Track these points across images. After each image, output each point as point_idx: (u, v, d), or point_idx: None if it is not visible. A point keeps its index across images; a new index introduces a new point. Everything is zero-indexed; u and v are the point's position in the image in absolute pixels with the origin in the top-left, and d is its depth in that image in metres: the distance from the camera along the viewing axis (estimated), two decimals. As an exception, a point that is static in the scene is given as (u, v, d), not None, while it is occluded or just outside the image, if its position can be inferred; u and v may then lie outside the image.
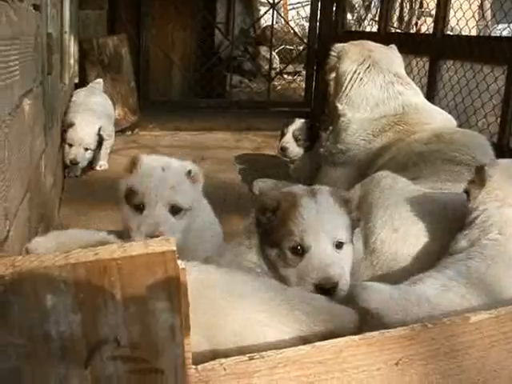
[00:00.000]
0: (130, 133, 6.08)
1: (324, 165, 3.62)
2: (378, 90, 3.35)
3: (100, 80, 5.51)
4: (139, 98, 6.46)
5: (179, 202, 2.22)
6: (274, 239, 1.88)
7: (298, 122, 4.29)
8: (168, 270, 0.91)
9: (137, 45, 7.02)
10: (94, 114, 4.44)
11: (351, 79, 3.42)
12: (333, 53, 3.60)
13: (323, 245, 1.81)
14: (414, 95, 3.41)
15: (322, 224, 1.83)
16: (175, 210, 2.22)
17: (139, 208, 2.20)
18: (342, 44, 3.66)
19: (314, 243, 1.81)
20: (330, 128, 3.62)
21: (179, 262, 0.95)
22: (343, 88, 3.45)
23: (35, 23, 2.42)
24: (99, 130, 4.35)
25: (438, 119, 3.26)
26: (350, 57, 3.50)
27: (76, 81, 5.46)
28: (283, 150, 4.32)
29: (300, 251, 1.82)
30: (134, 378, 0.97)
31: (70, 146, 4.21)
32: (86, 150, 4.28)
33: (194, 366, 1.07)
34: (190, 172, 2.31)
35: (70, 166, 4.30)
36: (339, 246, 1.86)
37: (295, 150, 4.26)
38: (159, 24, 7.67)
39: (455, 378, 1.30)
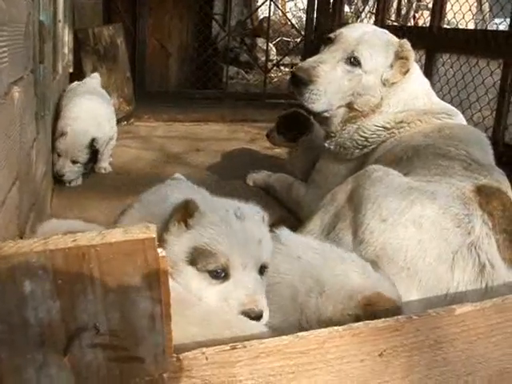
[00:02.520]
0: (125, 123, 6.05)
1: (325, 158, 3.50)
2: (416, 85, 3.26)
3: (96, 74, 5.15)
4: (135, 89, 6.45)
5: (268, 259, 1.75)
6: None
7: (286, 111, 4.31)
8: (148, 258, 0.91)
9: (133, 35, 7.00)
10: (87, 122, 3.99)
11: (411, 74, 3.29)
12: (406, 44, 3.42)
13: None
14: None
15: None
16: (262, 270, 1.74)
17: (218, 275, 1.65)
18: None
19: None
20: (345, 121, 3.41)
21: (159, 250, 0.94)
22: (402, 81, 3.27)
23: (26, 10, 2.39)
24: (92, 141, 3.92)
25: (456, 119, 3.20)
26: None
27: (71, 70, 5.43)
28: (267, 136, 4.39)
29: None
30: (113, 365, 0.97)
31: (58, 155, 3.87)
32: (74, 162, 3.89)
33: (175, 355, 1.06)
34: (263, 218, 1.86)
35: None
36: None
37: (276, 137, 4.28)
38: (156, 14, 7.64)
39: (440, 369, 1.30)
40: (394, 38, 3.32)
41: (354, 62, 3.19)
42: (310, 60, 3.34)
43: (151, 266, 0.91)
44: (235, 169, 4.66)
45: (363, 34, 3.25)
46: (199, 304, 1.61)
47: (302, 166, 4.01)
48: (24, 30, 2.32)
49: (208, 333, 1.34)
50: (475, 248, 2.21)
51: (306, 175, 3.76)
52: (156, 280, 0.92)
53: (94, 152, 3.96)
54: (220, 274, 1.62)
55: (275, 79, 9.46)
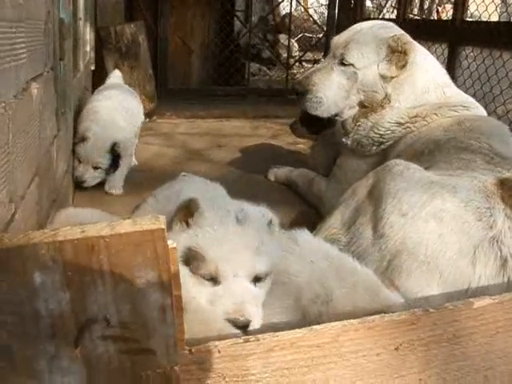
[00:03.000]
0: (147, 120, 6.06)
1: (346, 154, 3.49)
2: (426, 77, 3.23)
3: (116, 71, 5.03)
4: (157, 86, 6.47)
5: (264, 269, 1.63)
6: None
7: None
8: (157, 249, 0.90)
9: (155, 33, 7.03)
10: (109, 126, 3.87)
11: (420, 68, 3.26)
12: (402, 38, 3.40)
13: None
14: (453, 85, 3.33)
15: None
16: (258, 278, 1.63)
17: (211, 278, 1.61)
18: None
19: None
20: (358, 117, 3.42)
21: (169, 241, 0.93)
22: (409, 75, 3.25)
23: (45, 8, 2.41)
24: (113, 145, 3.79)
25: (474, 112, 3.16)
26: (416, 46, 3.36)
27: (92, 68, 5.47)
28: (291, 127, 4.44)
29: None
30: (124, 357, 0.97)
31: (79, 161, 3.76)
32: (96, 168, 3.79)
33: (187, 348, 1.06)
34: (271, 222, 1.73)
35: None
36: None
37: (299, 128, 4.26)
38: (178, 12, 7.66)
39: (458, 364, 1.28)
40: (390, 33, 3.27)
41: (345, 62, 3.24)
42: (307, 72, 3.46)
43: (161, 257, 0.91)
44: (257, 164, 4.65)
45: (353, 34, 3.28)
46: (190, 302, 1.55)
47: (323, 161, 3.99)
48: (43, 28, 2.34)
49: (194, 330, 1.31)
50: (497, 242, 2.18)
51: (328, 170, 3.74)
52: (166, 271, 0.92)
53: (116, 156, 3.84)
54: (211, 277, 1.58)
55: (297, 75, 9.41)
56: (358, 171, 3.21)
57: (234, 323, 1.48)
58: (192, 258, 1.57)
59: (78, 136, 3.79)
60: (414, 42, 3.28)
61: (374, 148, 3.26)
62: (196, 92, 7.37)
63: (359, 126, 3.33)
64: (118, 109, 4.09)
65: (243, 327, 1.48)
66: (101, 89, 4.43)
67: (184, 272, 1.52)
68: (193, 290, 1.56)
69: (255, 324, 1.50)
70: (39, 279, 0.89)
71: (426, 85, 3.20)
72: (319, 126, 4.06)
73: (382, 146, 3.23)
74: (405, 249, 2.21)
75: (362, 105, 3.28)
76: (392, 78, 3.19)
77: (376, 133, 3.24)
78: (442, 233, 2.18)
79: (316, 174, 3.88)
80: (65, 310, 0.91)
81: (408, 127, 3.13)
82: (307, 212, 3.56)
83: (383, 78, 3.19)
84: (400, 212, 2.26)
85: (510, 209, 2.25)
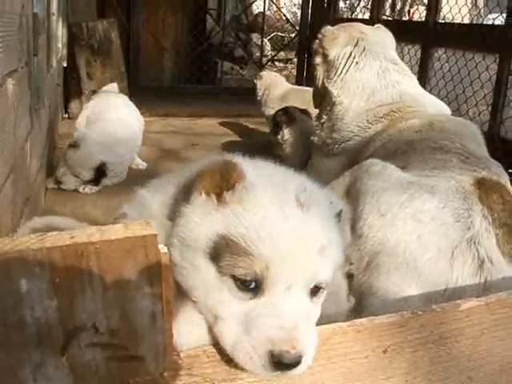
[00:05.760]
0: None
1: (316, 154, 3.56)
2: (375, 77, 3.29)
3: (114, 85, 4.94)
4: (129, 83, 6.40)
5: (326, 277, 1.19)
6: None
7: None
8: (148, 255, 0.88)
9: (127, 30, 6.96)
10: (100, 145, 3.81)
11: (346, 63, 3.36)
12: (319, 35, 3.55)
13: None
14: (411, 84, 3.36)
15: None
16: (316, 290, 1.19)
17: (246, 286, 1.13)
18: (330, 27, 3.59)
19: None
20: (324, 116, 3.52)
21: (160, 246, 0.91)
22: (338, 72, 3.38)
23: (20, 2, 2.36)
24: (100, 165, 3.77)
25: (431, 107, 3.22)
26: (341, 39, 3.45)
27: (65, 65, 5.39)
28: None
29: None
30: (112, 365, 0.94)
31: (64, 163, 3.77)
32: (76, 176, 3.75)
33: (176, 353, 1.04)
34: (340, 213, 1.34)
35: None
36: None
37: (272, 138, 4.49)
38: (150, 9, 7.60)
39: (444, 365, 1.28)
40: None
41: None
42: None
43: (152, 263, 0.89)
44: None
45: None
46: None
47: (296, 160, 4.04)
48: (18, 22, 2.29)
49: None
50: (474, 243, 2.20)
51: (301, 169, 3.77)
52: (157, 277, 0.90)
53: (100, 174, 3.81)
54: (249, 286, 1.12)
55: (270, 74, 9.41)
56: (331, 171, 3.23)
57: (279, 359, 1.06)
58: (227, 252, 1.10)
59: (72, 140, 3.81)
60: None
61: (336, 146, 3.36)
62: (168, 90, 7.33)
63: (323, 124, 3.49)
64: (114, 123, 4.05)
65: (291, 366, 1.07)
66: (100, 102, 4.33)
67: (210, 272, 1.12)
68: (218, 299, 1.12)
69: (307, 360, 1.10)
70: (25, 286, 0.86)
71: (370, 87, 3.32)
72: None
73: (343, 145, 3.33)
74: (384, 249, 2.21)
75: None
76: (331, 79, 3.45)
77: (337, 134, 3.37)
78: (421, 234, 2.19)
79: None
80: (51, 317, 0.88)
81: (369, 128, 3.21)
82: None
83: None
84: (379, 212, 2.26)
85: (487, 209, 2.27)
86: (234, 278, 1.11)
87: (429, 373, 1.28)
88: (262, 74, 5.75)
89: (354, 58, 3.35)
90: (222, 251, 1.10)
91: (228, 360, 1.09)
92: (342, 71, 3.37)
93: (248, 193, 1.13)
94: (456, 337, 1.27)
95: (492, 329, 1.30)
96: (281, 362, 1.06)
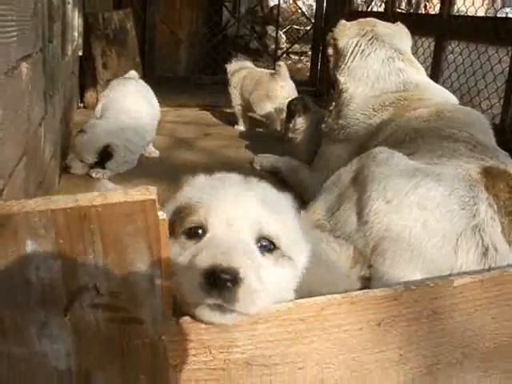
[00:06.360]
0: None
1: (325, 141, 3.61)
2: (379, 64, 3.34)
3: (134, 73, 4.94)
4: (144, 74, 6.46)
5: (276, 232, 1.24)
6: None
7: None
8: (148, 220, 0.92)
9: (143, 20, 7.01)
10: (106, 130, 3.88)
11: (353, 51, 3.41)
12: (333, 28, 3.61)
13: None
14: (416, 73, 3.39)
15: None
16: (266, 246, 1.24)
17: (196, 234, 1.23)
18: (345, 21, 3.66)
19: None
20: (333, 104, 3.62)
21: (160, 212, 0.96)
22: (345, 60, 3.44)
23: (35, -11, 2.41)
24: (105, 147, 3.81)
25: (439, 97, 3.24)
26: (351, 30, 3.50)
27: (80, 53, 5.45)
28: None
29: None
30: (113, 326, 0.99)
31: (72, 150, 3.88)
32: (81, 161, 3.81)
33: (174, 318, 1.08)
34: (298, 210, 1.46)
35: None
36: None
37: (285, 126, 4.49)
38: (166, 1, 7.65)
39: (438, 341, 1.32)
40: None
41: None
42: None
43: (151, 228, 0.93)
44: (243, 152, 4.68)
45: None
46: None
47: (309, 149, 4.09)
48: (33, 8, 2.34)
49: None
50: (479, 231, 2.22)
51: (311, 159, 3.84)
52: (156, 242, 0.94)
53: (105, 156, 3.85)
54: (197, 232, 1.22)
55: (285, 67, 9.44)
56: (340, 159, 3.28)
57: (213, 273, 1.06)
58: (180, 216, 1.25)
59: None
60: None
61: (342, 132, 3.42)
62: (183, 80, 7.37)
63: (331, 111, 3.59)
64: (125, 109, 4.11)
65: (225, 280, 1.06)
66: (122, 84, 4.42)
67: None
68: (176, 262, 1.16)
69: (248, 280, 1.09)
70: (31, 247, 0.90)
71: (375, 74, 3.39)
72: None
73: (348, 130, 3.38)
74: (389, 236, 2.24)
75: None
76: (338, 67, 3.51)
77: (342, 120, 3.43)
78: (426, 220, 2.22)
79: (300, 162, 3.95)
80: (55, 278, 0.93)
81: (375, 115, 3.25)
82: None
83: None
84: (385, 199, 2.29)
85: (493, 198, 2.29)
86: (185, 232, 1.23)
87: (423, 348, 1.31)
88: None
89: (361, 46, 3.40)
90: (177, 219, 1.25)
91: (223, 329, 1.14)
92: (348, 59, 3.43)
93: (194, 178, 1.38)
94: (450, 313, 1.30)
95: (485, 306, 1.33)
96: (215, 279, 1.06)
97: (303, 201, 3.43)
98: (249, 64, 6.01)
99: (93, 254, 0.93)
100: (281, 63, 5.61)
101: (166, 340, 1.05)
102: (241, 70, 5.81)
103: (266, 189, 1.36)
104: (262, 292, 1.12)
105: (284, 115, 5.09)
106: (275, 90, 5.39)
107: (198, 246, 1.18)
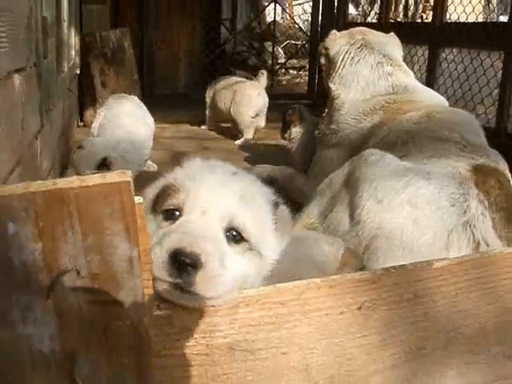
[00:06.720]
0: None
1: (319, 147, 3.68)
2: (368, 69, 3.40)
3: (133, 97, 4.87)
4: (143, 92, 6.53)
5: (245, 226, 1.30)
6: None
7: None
8: (124, 201, 0.95)
9: (140, 39, 7.11)
10: (103, 145, 3.90)
11: (343, 59, 3.48)
12: (325, 38, 3.69)
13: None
14: (404, 76, 3.44)
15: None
16: (234, 237, 1.29)
17: (173, 215, 1.31)
18: (336, 31, 3.74)
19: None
20: (326, 111, 3.68)
21: (137, 197, 0.99)
22: (336, 68, 3.51)
23: (28, 4, 2.47)
24: (102, 160, 3.77)
25: (428, 99, 3.29)
26: (342, 39, 3.57)
27: (77, 71, 5.53)
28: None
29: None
30: (95, 308, 1.01)
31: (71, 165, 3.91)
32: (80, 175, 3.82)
33: (156, 303, 1.11)
34: (277, 205, 1.47)
35: None
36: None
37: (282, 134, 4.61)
38: (164, 19, 7.75)
39: (422, 324, 1.33)
40: None
41: None
42: None
43: (128, 209, 0.96)
44: (241, 164, 4.72)
45: None
46: None
47: (300, 158, 4.17)
48: (26, 22, 2.39)
49: None
50: (470, 226, 2.25)
51: (306, 166, 3.90)
52: (133, 223, 0.97)
53: (102, 166, 3.81)
54: (174, 214, 1.30)
55: (284, 82, 9.52)
56: (333, 164, 3.32)
57: (176, 255, 1.13)
58: (162, 196, 1.34)
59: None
60: None
61: (334, 136, 3.49)
62: (182, 97, 7.44)
63: (324, 118, 3.68)
64: (128, 131, 4.15)
65: (188, 266, 1.13)
66: (118, 102, 4.47)
67: (151, 224, 1.29)
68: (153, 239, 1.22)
69: (208, 266, 1.15)
70: (12, 230, 0.94)
71: (365, 80, 3.47)
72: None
73: (340, 134, 3.46)
74: (381, 234, 2.27)
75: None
76: (329, 74, 3.62)
77: (334, 125, 3.52)
78: (417, 218, 2.25)
79: (295, 170, 4.01)
80: (37, 260, 0.96)
81: (365, 119, 3.30)
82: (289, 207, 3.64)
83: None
84: (376, 199, 2.32)
85: (483, 194, 2.32)
86: (163, 212, 1.32)
87: (406, 332, 1.33)
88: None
89: (351, 53, 3.47)
90: (159, 198, 1.35)
91: (204, 314, 1.16)
92: (339, 67, 3.49)
93: (188, 162, 1.44)
94: (431, 296, 1.32)
95: (466, 289, 1.35)
96: (177, 261, 1.13)
97: (301, 207, 3.50)
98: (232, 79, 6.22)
99: (72, 236, 0.96)
100: (263, 71, 5.84)
101: (149, 325, 1.08)
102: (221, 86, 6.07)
103: (248, 184, 1.41)
104: (223, 278, 1.17)
105: (259, 122, 5.71)
106: (252, 97, 5.74)
107: (170, 228, 1.26)
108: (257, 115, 5.77)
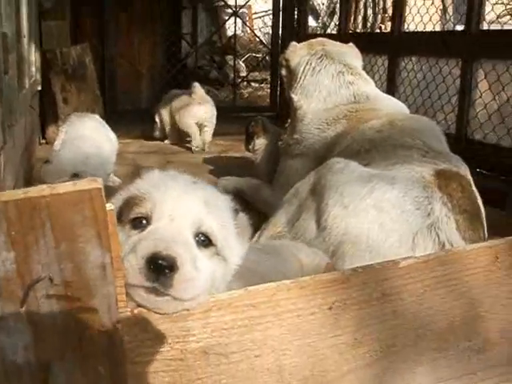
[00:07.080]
0: (95, 141, 6.06)
1: (283, 158, 3.69)
2: (329, 79, 3.44)
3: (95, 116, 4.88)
4: (105, 107, 6.49)
5: (213, 230, 1.34)
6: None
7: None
8: (95, 208, 0.96)
9: (101, 55, 7.08)
10: (71, 160, 3.87)
11: (304, 69, 3.52)
12: (286, 50, 3.73)
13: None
14: (365, 85, 3.50)
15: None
16: (203, 242, 1.32)
17: (140, 224, 1.32)
18: (295, 42, 3.79)
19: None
20: (289, 121, 3.71)
21: (108, 204, 1.00)
22: (297, 79, 3.55)
23: (-13, 20, 2.46)
24: (74, 174, 3.70)
25: (389, 107, 3.35)
26: (302, 50, 3.61)
27: (39, 88, 5.48)
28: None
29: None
30: (68, 316, 1.02)
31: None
32: None
33: (128, 308, 1.11)
34: (236, 212, 1.52)
35: None
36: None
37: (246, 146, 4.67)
38: (124, 34, 7.74)
39: (391, 323, 1.36)
40: None
41: None
42: None
43: (99, 216, 0.97)
44: (206, 177, 4.73)
45: None
46: None
47: (265, 169, 4.20)
48: (-14, 39, 2.38)
49: None
50: (435, 228, 2.30)
51: (271, 177, 3.92)
52: (104, 229, 0.98)
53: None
54: (142, 222, 1.31)
55: (246, 95, 9.57)
56: (298, 173, 3.35)
57: (153, 259, 1.15)
58: (127, 206, 1.35)
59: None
60: None
61: (298, 146, 3.52)
62: (144, 112, 7.41)
63: (287, 128, 3.73)
64: (92, 147, 4.12)
65: (164, 269, 1.15)
66: (80, 119, 4.47)
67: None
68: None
69: (184, 268, 1.17)
70: (-16, 240, 0.94)
71: (326, 90, 3.51)
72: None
73: (304, 143, 3.48)
74: (347, 239, 2.30)
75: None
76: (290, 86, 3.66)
77: (297, 135, 3.55)
78: (383, 222, 2.29)
79: (261, 181, 4.02)
80: (10, 269, 0.96)
81: (328, 129, 3.35)
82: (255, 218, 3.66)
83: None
84: (342, 204, 2.36)
85: (446, 197, 2.37)
86: (130, 221, 1.33)
87: (377, 331, 1.36)
88: None
89: (312, 64, 3.51)
90: (124, 209, 1.36)
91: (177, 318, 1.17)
92: (300, 78, 3.53)
93: (148, 174, 1.47)
94: (399, 294, 1.35)
95: (433, 286, 1.39)
96: (155, 265, 1.15)
97: (268, 218, 3.52)
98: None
99: (44, 244, 0.96)
100: (195, 84, 6.02)
101: (122, 332, 1.08)
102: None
103: (209, 191, 1.46)
104: (197, 281, 1.21)
105: (205, 136, 5.90)
106: (194, 109, 6.00)
107: (140, 236, 1.27)
108: (201, 125, 6.00)
